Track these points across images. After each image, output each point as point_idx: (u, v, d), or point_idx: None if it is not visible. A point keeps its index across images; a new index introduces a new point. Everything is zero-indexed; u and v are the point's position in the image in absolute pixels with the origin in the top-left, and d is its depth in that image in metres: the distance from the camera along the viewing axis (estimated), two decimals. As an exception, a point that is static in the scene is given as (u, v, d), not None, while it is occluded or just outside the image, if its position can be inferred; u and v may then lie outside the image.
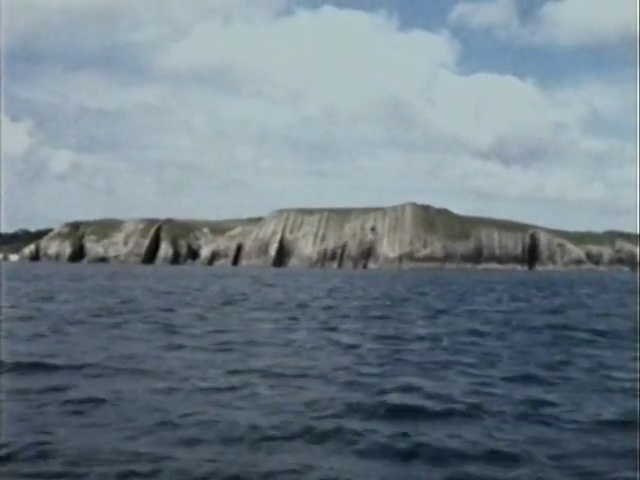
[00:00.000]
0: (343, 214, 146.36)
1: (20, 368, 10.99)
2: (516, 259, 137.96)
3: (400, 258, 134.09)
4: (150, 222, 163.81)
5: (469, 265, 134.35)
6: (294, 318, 21.05)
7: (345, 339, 15.64)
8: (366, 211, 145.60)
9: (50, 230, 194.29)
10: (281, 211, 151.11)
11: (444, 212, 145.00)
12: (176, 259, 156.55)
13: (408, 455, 6.67)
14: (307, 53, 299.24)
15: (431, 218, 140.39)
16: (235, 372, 10.91)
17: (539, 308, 27.72)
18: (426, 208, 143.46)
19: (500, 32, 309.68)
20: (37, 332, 16.09)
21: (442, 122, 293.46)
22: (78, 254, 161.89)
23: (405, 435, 7.22)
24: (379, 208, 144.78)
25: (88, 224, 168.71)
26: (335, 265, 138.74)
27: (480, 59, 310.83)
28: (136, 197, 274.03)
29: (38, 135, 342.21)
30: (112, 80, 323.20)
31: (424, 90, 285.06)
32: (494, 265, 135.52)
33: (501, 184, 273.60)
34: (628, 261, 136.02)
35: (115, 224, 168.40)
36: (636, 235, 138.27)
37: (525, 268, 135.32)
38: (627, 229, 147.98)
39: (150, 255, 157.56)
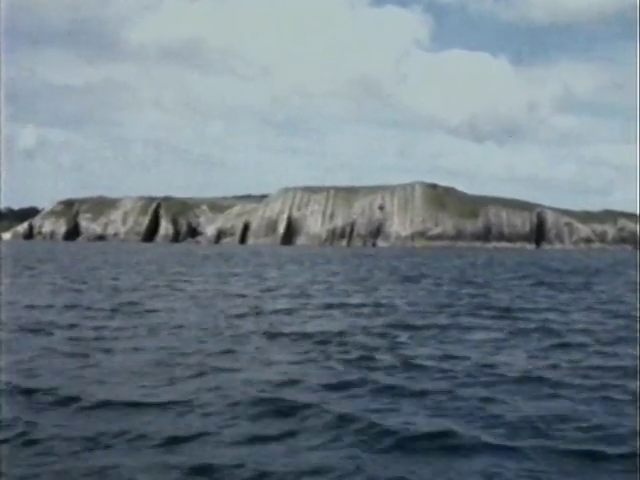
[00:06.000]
0: (350, 192, 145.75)
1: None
2: (524, 238, 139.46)
3: (412, 236, 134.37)
4: (148, 200, 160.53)
5: (479, 243, 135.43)
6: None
7: None
8: (373, 190, 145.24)
9: (34, 208, 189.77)
10: (287, 189, 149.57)
11: (451, 190, 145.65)
12: (176, 237, 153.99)
13: None
14: (278, 29, 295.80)
15: (440, 197, 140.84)
16: None
17: None
18: (434, 187, 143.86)
19: (474, 8, 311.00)
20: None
21: (415, 99, 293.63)
22: (73, 232, 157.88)
23: None
24: (386, 186, 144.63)
25: (82, 202, 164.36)
26: (344, 243, 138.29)
27: (453, 35, 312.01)
28: (110, 174, 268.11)
29: (4, 111, 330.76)
30: (79, 56, 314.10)
31: (397, 67, 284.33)
32: (503, 244, 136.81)
33: (475, 162, 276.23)
34: (631, 239, 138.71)
35: (110, 202, 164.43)
36: (636, 214, 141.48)
37: (533, 247, 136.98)
38: (609, 207, 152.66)
39: (150, 233, 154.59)
